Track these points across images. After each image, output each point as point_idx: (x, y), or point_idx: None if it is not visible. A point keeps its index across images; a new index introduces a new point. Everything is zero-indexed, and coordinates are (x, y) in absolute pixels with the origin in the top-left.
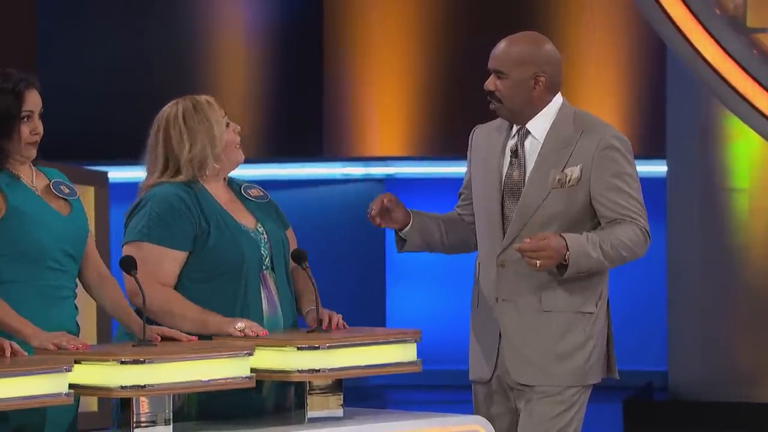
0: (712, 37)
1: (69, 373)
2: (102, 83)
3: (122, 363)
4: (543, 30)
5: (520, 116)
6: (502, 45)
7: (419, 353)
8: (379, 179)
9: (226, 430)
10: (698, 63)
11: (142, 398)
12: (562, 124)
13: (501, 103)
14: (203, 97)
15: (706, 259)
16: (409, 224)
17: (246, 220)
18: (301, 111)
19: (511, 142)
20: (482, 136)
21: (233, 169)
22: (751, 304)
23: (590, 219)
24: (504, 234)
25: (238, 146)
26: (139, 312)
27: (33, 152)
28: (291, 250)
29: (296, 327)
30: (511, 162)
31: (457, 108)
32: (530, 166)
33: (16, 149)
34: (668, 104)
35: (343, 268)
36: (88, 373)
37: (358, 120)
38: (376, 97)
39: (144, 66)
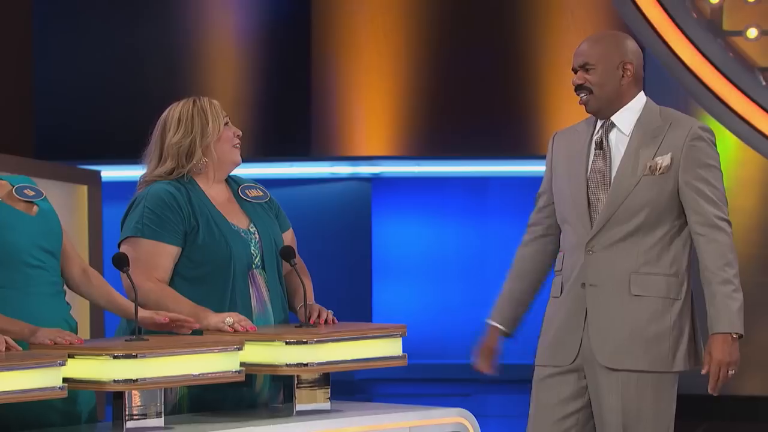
0: (689, 39)
1: (63, 367)
2: (95, 84)
3: (115, 357)
4: (524, 33)
5: (608, 107)
6: (585, 43)
7: (404, 348)
8: (365, 178)
9: (216, 422)
10: (676, 65)
11: (134, 392)
12: (649, 117)
13: (592, 93)
14: (207, 98)
15: None
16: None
17: (238, 220)
18: (290, 111)
19: (596, 136)
20: (563, 138)
21: (230, 170)
22: None
23: (677, 208)
24: (592, 223)
25: (235, 146)
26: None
27: None
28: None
29: (288, 323)
30: (595, 154)
31: (441, 109)
32: (616, 156)
33: None
34: None
35: (331, 264)
36: (81, 368)
37: (345, 120)
38: (363, 98)
39: (137, 68)
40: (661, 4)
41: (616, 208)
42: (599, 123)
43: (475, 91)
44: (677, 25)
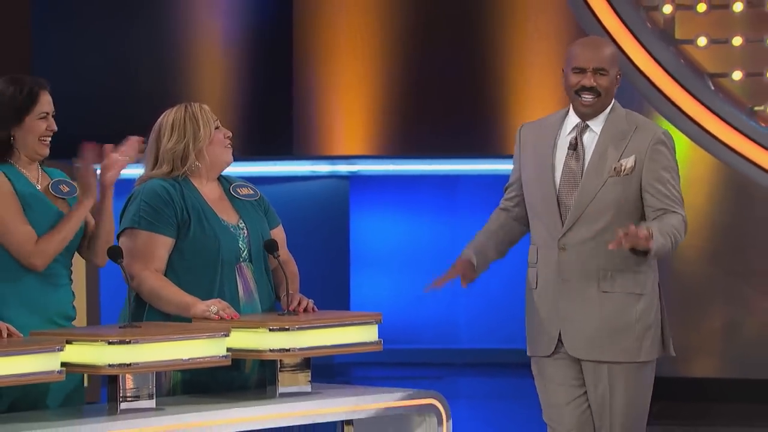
0: (644, 47)
1: (61, 353)
2: (92, 87)
3: (110, 343)
4: (491, 39)
5: (601, 111)
6: (596, 47)
7: (380, 334)
8: (344, 176)
9: (203, 404)
10: (631, 71)
11: (128, 375)
12: (616, 120)
13: (599, 96)
14: (198, 104)
15: None
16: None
17: (228, 216)
18: (273, 113)
19: (570, 136)
20: (531, 131)
21: (222, 168)
22: (680, 291)
23: (641, 208)
24: (563, 220)
25: (227, 147)
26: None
27: (45, 150)
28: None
29: (274, 311)
30: (569, 154)
31: (415, 111)
32: (589, 157)
33: (30, 144)
34: None
35: (311, 257)
36: (78, 352)
37: (324, 121)
38: (342, 100)
39: (130, 71)
40: (618, 15)
41: (584, 208)
42: (572, 122)
43: (447, 94)
44: (633, 34)
